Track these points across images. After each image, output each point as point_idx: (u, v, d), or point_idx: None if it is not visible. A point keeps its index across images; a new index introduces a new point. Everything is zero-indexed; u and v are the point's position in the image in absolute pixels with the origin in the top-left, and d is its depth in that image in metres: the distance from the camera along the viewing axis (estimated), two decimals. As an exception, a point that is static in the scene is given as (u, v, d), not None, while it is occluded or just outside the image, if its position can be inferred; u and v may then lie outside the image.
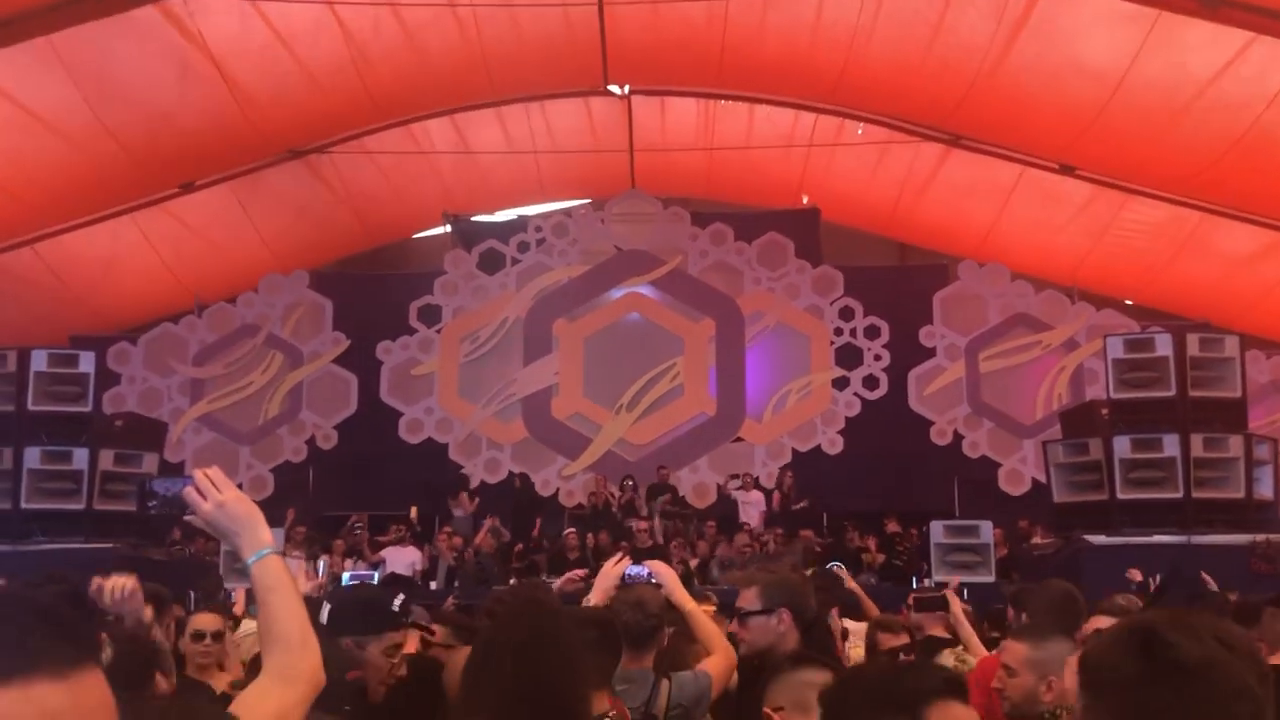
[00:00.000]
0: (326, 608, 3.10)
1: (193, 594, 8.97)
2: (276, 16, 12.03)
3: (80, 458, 10.17)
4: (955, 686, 1.63)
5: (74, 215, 14.00)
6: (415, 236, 18.39)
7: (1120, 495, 10.14)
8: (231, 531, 1.95)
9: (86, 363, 10.60)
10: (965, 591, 10.33)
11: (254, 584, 1.96)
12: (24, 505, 9.97)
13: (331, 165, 15.69)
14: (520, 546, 13.09)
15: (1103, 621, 4.35)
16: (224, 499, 1.95)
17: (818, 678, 2.44)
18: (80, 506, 10.13)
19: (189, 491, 1.95)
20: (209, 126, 13.10)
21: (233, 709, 1.84)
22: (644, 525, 12.91)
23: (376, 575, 11.88)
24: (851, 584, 7.36)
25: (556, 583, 5.18)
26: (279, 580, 1.94)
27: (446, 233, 17.38)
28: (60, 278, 14.79)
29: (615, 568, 3.81)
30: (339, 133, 15.12)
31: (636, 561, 3.88)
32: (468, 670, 2.40)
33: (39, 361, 10.35)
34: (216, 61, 12.16)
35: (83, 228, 14.33)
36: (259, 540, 1.95)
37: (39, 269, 14.46)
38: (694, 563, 12.47)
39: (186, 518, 1.99)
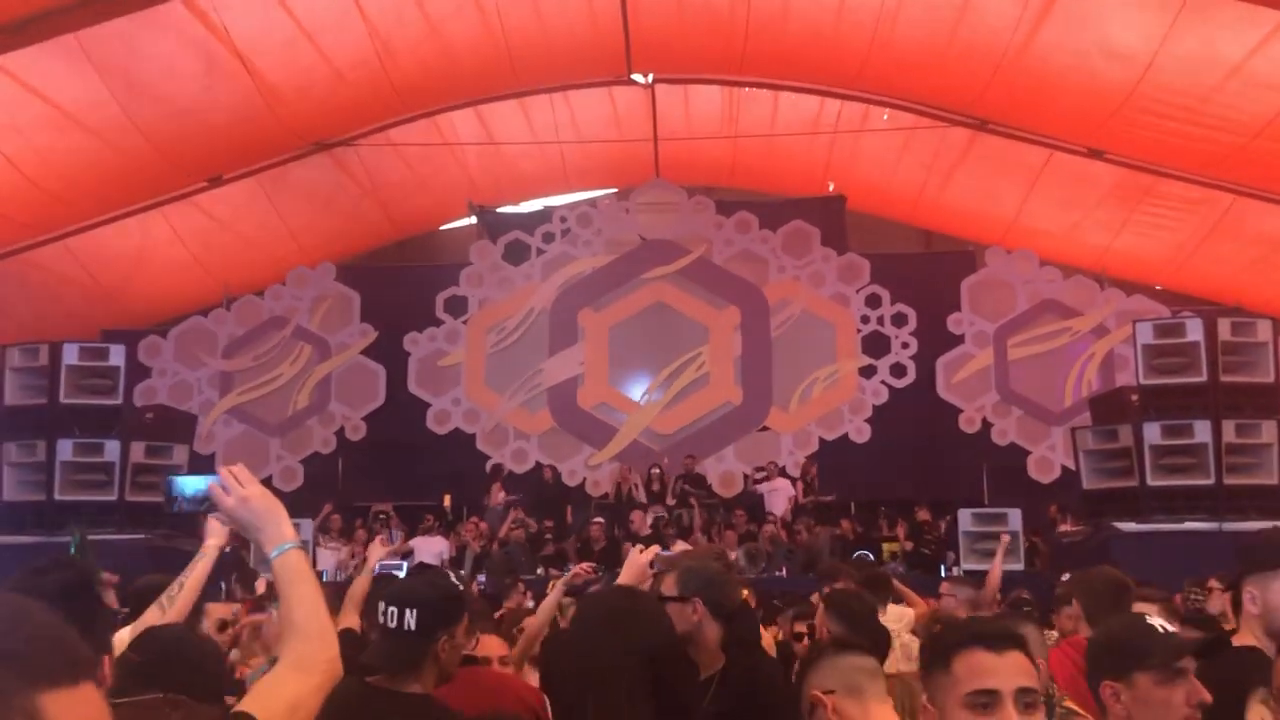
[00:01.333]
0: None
1: (224, 585, 9.08)
2: (301, 10, 12.08)
3: (112, 450, 10.32)
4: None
5: (104, 210, 14.14)
6: (441, 228, 18.46)
7: (1150, 482, 10.06)
8: (254, 526, 1.99)
9: (117, 356, 10.75)
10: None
11: (275, 577, 2.00)
12: (57, 497, 10.11)
13: (357, 158, 15.76)
14: (549, 536, 13.13)
15: (1142, 608, 4.32)
16: (247, 494, 1.99)
17: (866, 663, 2.48)
18: (112, 498, 10.28)
19: (213, 486, 1.98)
20: (236, 120, 13.19)
21: (247, 699, 1.88)
22: (637, 514, 12.90)
23: (405, 565, 11.99)
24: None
25: (564, 576, 5.20)
26: (300, 573, 1.98)
27: (472, 224, 17.44)
28: (91, 272, 14.95)
29: (644, 555, 3.82)
30: (364, 125, 15.18)
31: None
32: None
33: (70, 355, 10.50)
34: (242, 56, 12.22)
35: (113, 222, 14.46)
36: (281, 534, 1.99)
37: (70, 264, 14.63)
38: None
39: (211, 515, 2.01)
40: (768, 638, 5.17)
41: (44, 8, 10.56)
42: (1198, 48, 11.38)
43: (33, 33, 10.70)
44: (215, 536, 3.69)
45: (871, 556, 11.78)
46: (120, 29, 11.12)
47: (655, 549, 4.00)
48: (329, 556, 12.27)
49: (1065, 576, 8.27)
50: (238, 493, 1.98)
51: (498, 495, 14.16)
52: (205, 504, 2.06)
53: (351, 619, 4.54)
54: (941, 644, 1.97)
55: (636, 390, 15.83)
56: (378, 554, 6.06)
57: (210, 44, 11.99)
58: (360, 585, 5.34)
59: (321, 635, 1.94)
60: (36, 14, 10.59)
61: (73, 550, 2.41)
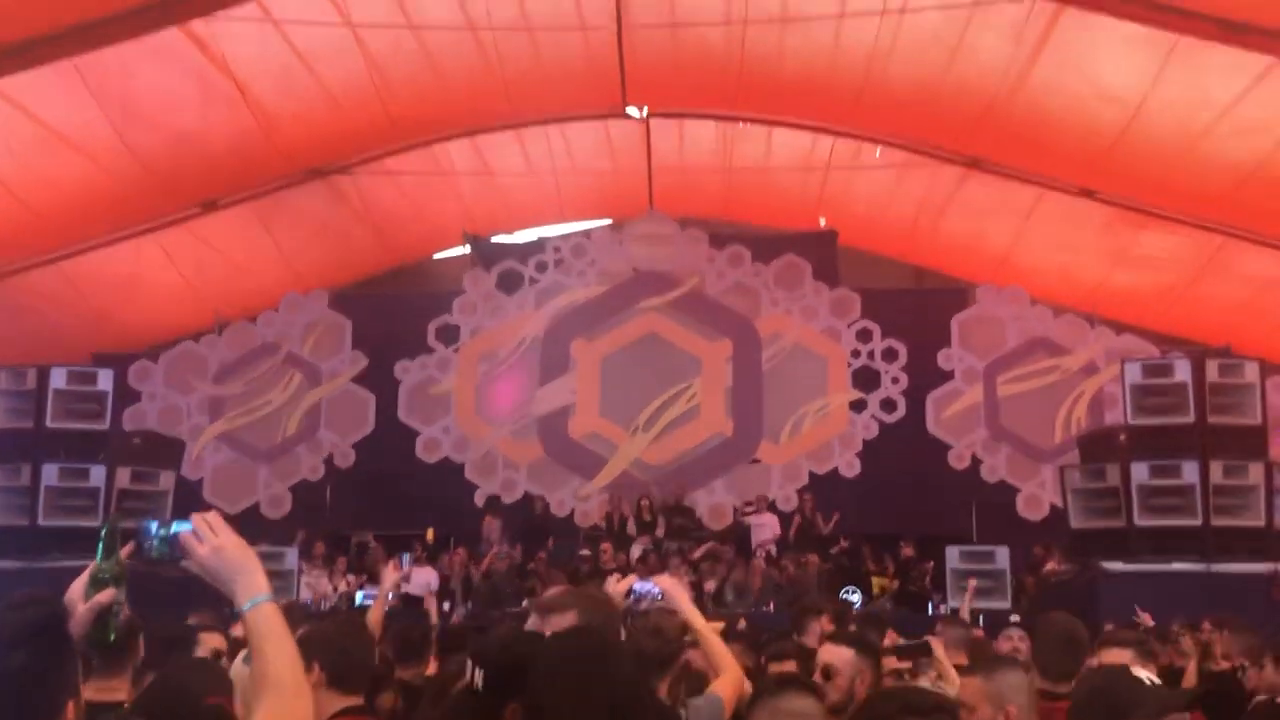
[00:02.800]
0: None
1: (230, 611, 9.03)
2: (298, 38, 12.15)
3: (97, 475, 10.27)
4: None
5: (97, 234, 14.14)
6: (435, 256, 18.48)
7: (1138, 522, 10.06)
8: (227, 577, 1.95)
9: (105, 380, 10.73)
10: (981, 618, 10.30)
11: (248, 630, 1.96)
12: (40, 522, 10.06)
13: (353, 185, 15.80)
14: (532, 566, 13.07)
15: (1115, 654, 4.29)
16: (221, 543, 1.95)
17: (806, 705, 2.43)
18: (97, 523, 10.19)
19: (186, 535, 1.95)
20: (231, 146, 13.24)
21: None
22: (606, 546, 12.86)
23: (390, 595, 11.92)
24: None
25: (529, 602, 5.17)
26: (273, 628, 1.94)
27: (466, 253, 17.47)
28: (83, 296, 14.92)
29: (620, 584, 3.81)
30: (360, 153, 15.23)
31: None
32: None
33: (58, 379, 10.47)
34: (238, 82, 12.28)
35: (105, 246, 14.45)
36: (255, 586, 1.95)
37: (62, 287, 14.60)
38: (709, 586, 12.43)
39: (184, 563, 1.99)
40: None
41: (43, 32, 10.60)
42: (1187, 90, 11.48)
43: (31, 57, 10.73)
44: (388, 580, 3.61)
45: (858, 593, 11.76)
46: (118, 54, 11.17)
47: (632, 578, 3.99)
48: (310, 585, 12.20)
49: (1014, 618, 8.27)
50: (211, 542, 1.95)
51: (492, 526, 14.10)
52: (172, 551, 2.02)
53: None
54: (876, 715, 1.95)
55: (627, 421, 15.81)
56: (391, 580, 6.03)
57: (208, 71, 12.05)
58: (377, 613, 5.35)
59: (296, 690, 1.92)
60: (36, 38, 10.63)
61: (100, 548, 2.32)
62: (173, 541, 2.01)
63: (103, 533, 2.27)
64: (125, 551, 2.29)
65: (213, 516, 1.97)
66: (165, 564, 2.20)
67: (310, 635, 3.06)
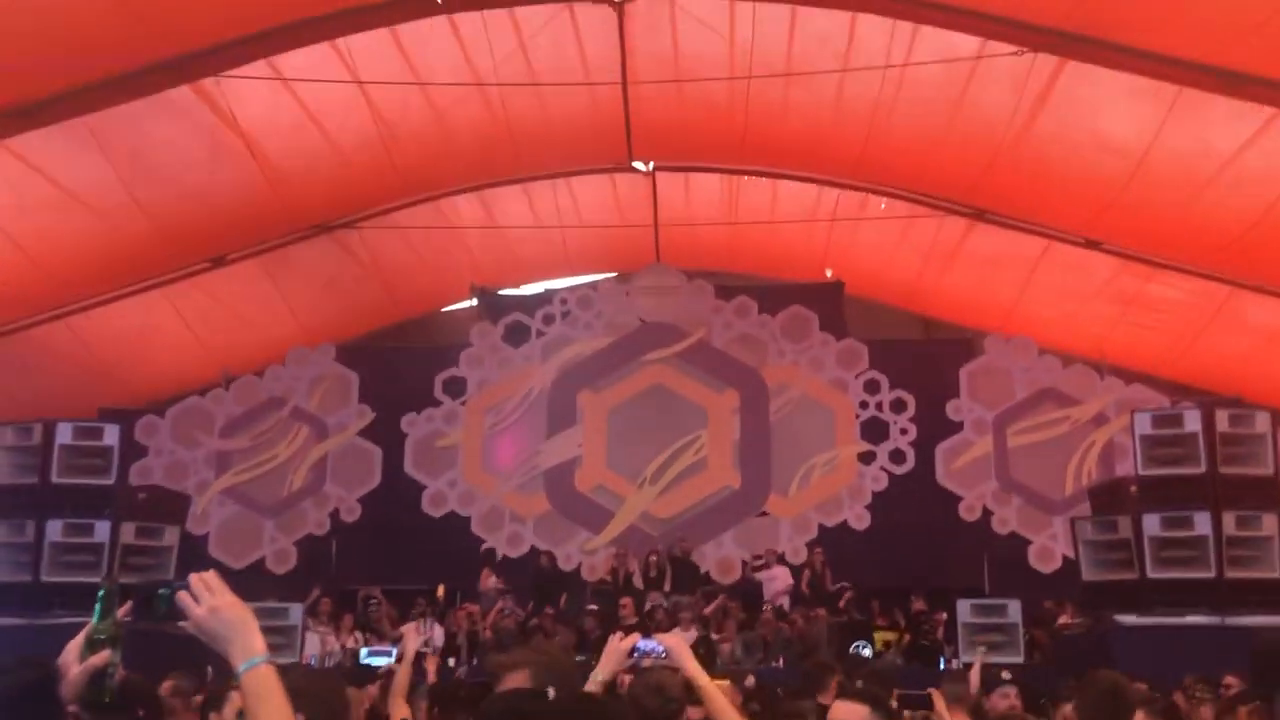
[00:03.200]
0: None
1: (210, 669, 8.93)
2: (307, 95, 12.30)
3: (102, 530, 10.22)
4: None
5: (105, 289, 14.22)
6: (443, 310, 18.55)
7: (1151, 574, 9.93)
8: (224, 638, 1.94)
9: (111, 436, 10.70)
10: (1007, 673, 10.13)
11: (244, 692, 1.94)
12: (44, 578, 9.99)
13: (360, 240, 15.90)
14: (536, 622, 12.93)
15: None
16: (218, 604, 1.94)
17: None
18: (99, 579, 10.13)
19: (183, 595, 1.93)
20: (240, 202, 13.35)
21: None
22: (626, 602, 12.71)
23: (395, 651, 11.81)
24: None
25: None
26: (269, 690, 1.93)
27: (473, 306, 17.52)
28: (91, 351, 14.98)
29: (623, 643, 3.75)
30: (368, 208, 15.35)
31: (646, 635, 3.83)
32: None
33: (64, 434, 10.46)
34: (247, 139, 12.42)
35: (114, 301, 14.53)
36: (251, 648, 1.94)
37: (70, 342, 14.66)
38: (720, 643, 12.29)
39: (181, 624, 1.97)
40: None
41: (56, 92, 10.74)
42: (1191, 141, 11.53)
43: (45, 116, 10.87)
44: (412, 644, 3.58)
45: (868, 647, 11.60)
46: (128, 112, 11.29)
47: (635, 637, 3.93)
48: (315, 641, 12.08)
49: (1005, 675, 8.12)
50: (208, 602, 1.93)
51: (488, 580, 13.99)
52: (171, 612, 2.00)
53: (401, 709, 4.57)
54: None
55: (634, 473, 15.72)
56: (414, 642, 6.02)
57: (217, 128, 12.19)
58: (403, 676, 5.33)
59: None
60: (49, 98, 10.77)
61: (97, 609, 2.31)
62: (170, 599, 2.00)
63: (100, 594, 2.26)
64: (122, 612, 2.27)
65: (210, 577, 1.95)
66: (170, 624, 2.18)
67: (295, 687, 3.02)
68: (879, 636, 12.49)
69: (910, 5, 11.30)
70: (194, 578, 1.94)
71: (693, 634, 11.98)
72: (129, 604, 2.24)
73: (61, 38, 9.85)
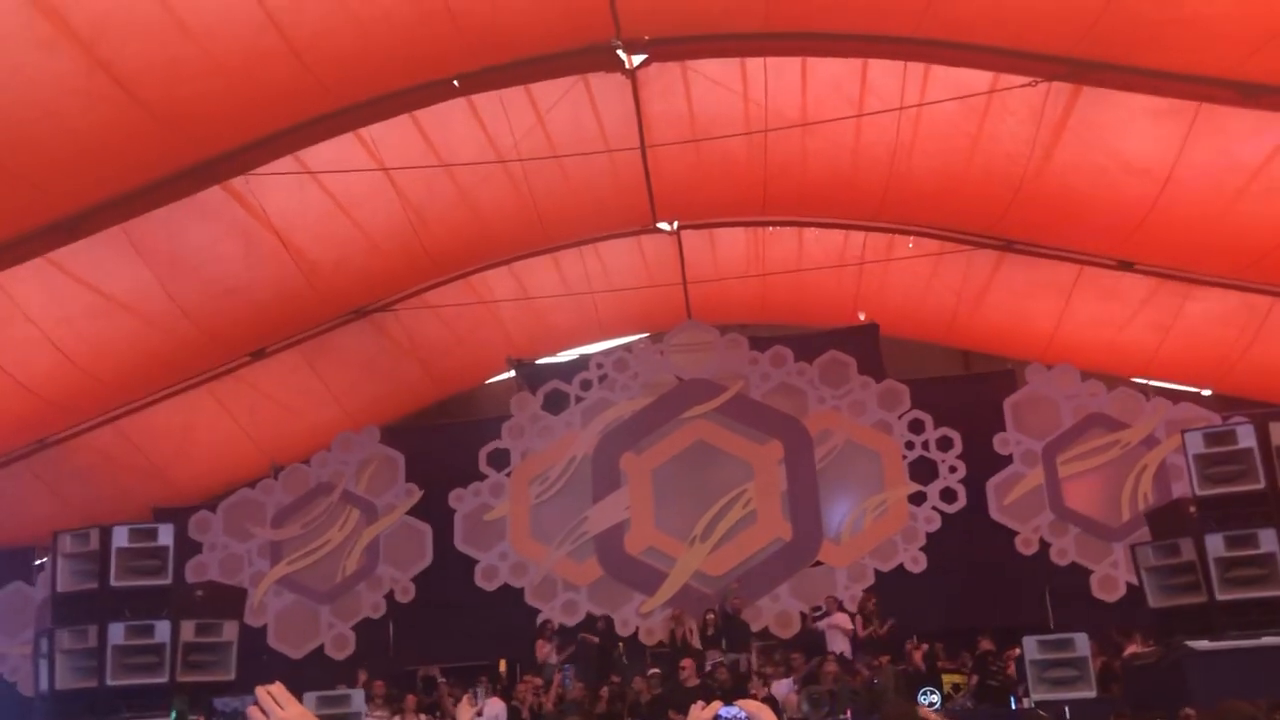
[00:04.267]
0: None
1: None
2: (335, 186, 12.57)
3: (162, 630, 10.29)
4: None
5: (151, 391, 14.49)
6: (482, 384, 18.69)
7: (1219, 596, 9.68)
8: None
9: (165, 535, 10.82)
10: (1067, 710, 9.93)
11: None
12: (109, 682, 10.06)
13: (396, 321, 16.12)
14: (605, 691, 12.82)
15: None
16: (287, 716, 1.95)
17: None
18: (164, 680, 10.20)
19: (251, 710, 1.95)
20: (276, 295, 13.59)
21: None
22: (687, 663, 12.57)
23: (459, 730, 11.74)
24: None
25: None
26: None
27: (511, 378, 17.65)
28: (142, 451, 15.23)
29: (706, 712, 3.71)
30: (401, 290, 15.58)
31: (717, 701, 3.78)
32: None
33: (120, 538, 10.58)
34: (279, 232, 12.69)
35: (160, 401, 14.80)
36: None
37: (122, 445, 14.92)
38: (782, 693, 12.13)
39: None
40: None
41: (94, 203, 11.04)
42: (1215, 156, 11.49)
43: (84, 228, 11.16)
44: (465, 716, 3.55)
45: (936, 694, 11.39)
46: (163, 216, 11.58)
47: (718, 705, 3.88)
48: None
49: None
50: (276, 714, 1.95)
51: (543, 650, 13.90)
52: None
53: None
54: None
55: (684, 532, 15.64)
56: (468, 715, 5.99)
57: (249, 224, 12.47)
58: None
59: None
60: (87, 210, 11.07)
61: None
62: (238, 715, 2.04)
63: (172, 715, 2.34)
64: None
65: (276, 688, 1.97)
66: None
67: None
68: (947, 679, 12.26)
69: (919, 46, 11.41)
70: (260, 690, 1.96)
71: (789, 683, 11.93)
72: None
73: (96, 151, 10.16)
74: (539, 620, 15.12)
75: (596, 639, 14.53)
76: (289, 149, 11.82)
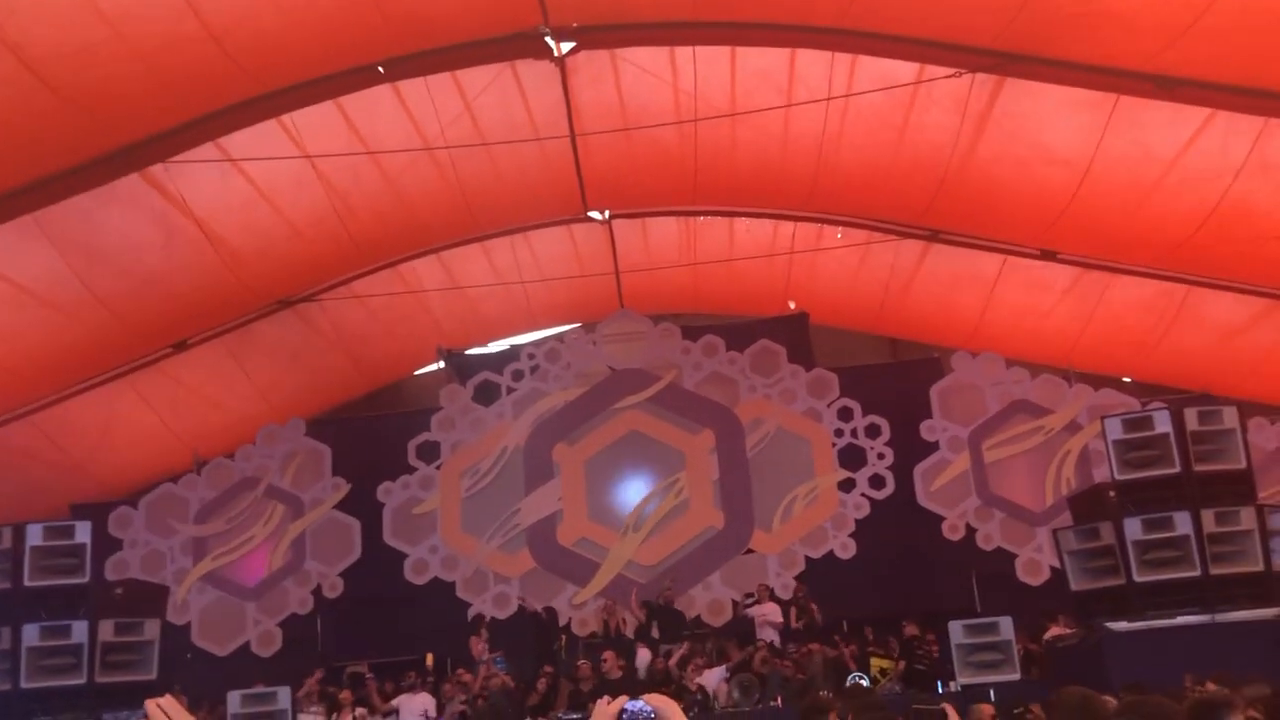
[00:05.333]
0: None
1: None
2: (257, 174, 12.32)
3: (79, 630, 10.01)
4: None
5: (69, 384, 14.06)
6: (411, 375, 18.48)
7: (1137, 578, 9.92)
8: None
9: (83, 533, 10.51)
10: (992, 693, 10.10)
11: None
12: (23, 685, 9.76)
13: (322, 312, 15.84)
14: (543, 684, 12.73)
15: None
16: None
17: None
18: (81, 681, 9.94)
19: None
20: (197, 285, 13.28)
21: None
22: (608, 655, 12.57)
23: (388, 726, 11.62)
24: None
25: None
26: None
27: (441, 369, 17.46)
28: (60, 446, 14.77)
29: (611, 705, 3.69)
30: (327, 280, 15.31)
31: (635, 696, 3.76)
32: None
33: (34, 536, 10.26)
34: (200, 221, 12.40)
35: (78, 395, 14.37)
36: None
37: (38, 440, 14.46)
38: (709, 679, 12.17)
39: None
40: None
41: (3, 189, 10.69)
42: (1133, 147, 11.74)
43: (-5, 216, 10.82)
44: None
45: (865, 678, 11.53)
46: (77, 205, 11.26)
47: (624, 699, 3.86)
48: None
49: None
50: None
51: (477, 646, 13.78)
52: None
53: None
54: None
55: (616, 522, 15.62)
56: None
57: (169, 213, 12.17)
58: None
59: None
60: (-3, 196, 10.73)
61: None
62: None
63: None
64: None
65: (166, 700, 1.91)
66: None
67: None
68: (874, 663, 12.41)
69: (846, 36, 11.50)
70: (150, 704, 1.90)
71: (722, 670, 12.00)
72: None
73: (5, 135, 9.83)
74: (470, 615, 15.00)
75: (539, 609, 14.46)
76: (209, 136, 11.58)
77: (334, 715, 12.37)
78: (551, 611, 14.82)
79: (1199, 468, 10.12)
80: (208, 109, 11.19)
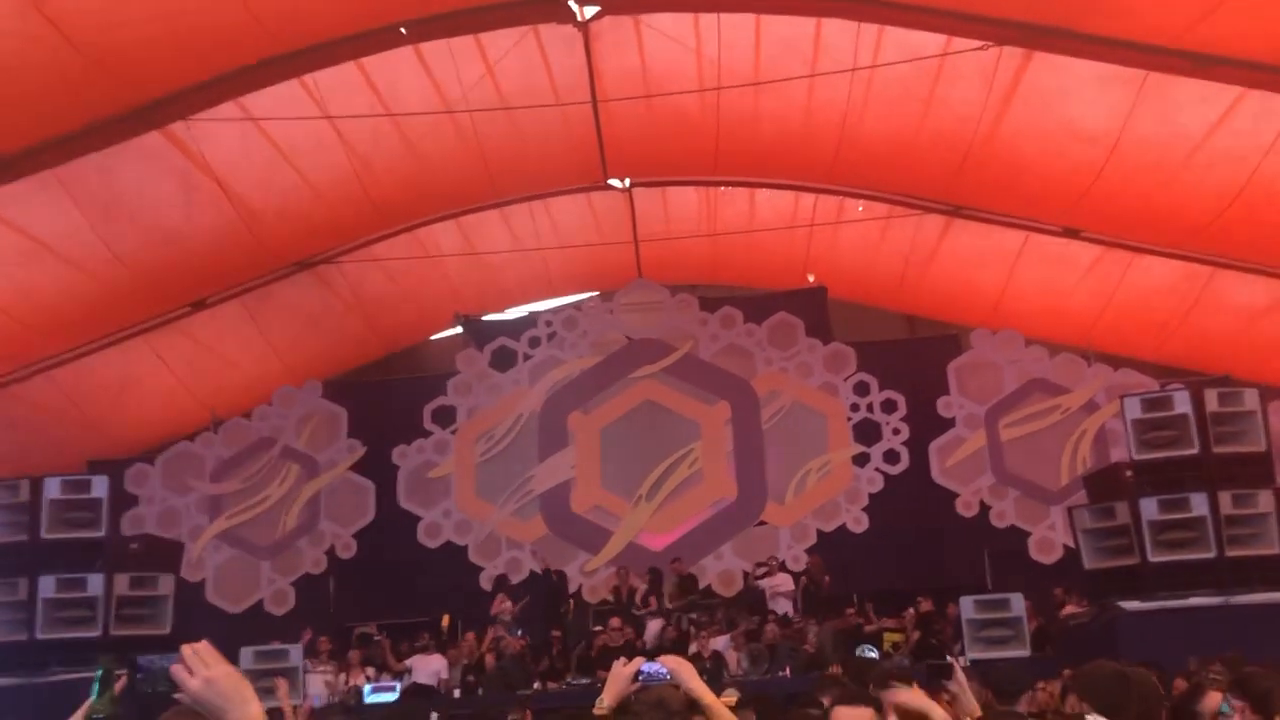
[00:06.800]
0: None
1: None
2: (278, 133, 12.28)
3: (95, 584, 10.14)
4: None
5: (87, 340, 14.13)
6: (428, 340, 18.49)
7: (1152, 558, 9.91)
8: (220, 708, 1.89)
9: (100, 487, 10.62)
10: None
11: None
12: (39, 636, 9.89)
13: (340, 275, 15.85)
14: (557, 648, 12.81)
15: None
16: (212, 675, 1.89)
17: None
18: (97, 634, 10.05)
19: (175, 668, 1.90)
20: (216, 244, 13.28)
21: None
22: (616, 623, 12.61)
23: (398, 686, 11.72)
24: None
25: None
26: None
27: (458, 334, 17.48)
28: (76, 403, 14.86)
29: (627, 668, 3.70)
30: (346, 242, 15.29)
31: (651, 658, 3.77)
32: None
33: (52, 489, 10.38)
34: (220, 180, 12.38)
35: (96, 352, 14.43)
36: (248, 717, 1.90)
37: (55, 396, 14.55)
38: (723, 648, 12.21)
39: (176, 695, 1.93)
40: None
41: (22, 147, 10.70)
42: (1161, 125, 11.57)
43: (15, 170, 10.82)
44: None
45: (875, 650, 11.54)
46: (97, 161, 11.26)
47: (639, 661, 3.87)
48: (318, 681, 11.96)
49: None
50: (202, 674, 1.88)
51: (501, 605, 13.86)
52: (171, 685, 1.97)
53: None
54: None
55: (629, 491, 15.64)
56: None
57: (189, 171, 12.15)
58: None
59: None
60: (18, 152, 10.73)
61: (94, 693, 2.33)
62: (164, 674, 1.99)
63: (97, 674, 2.30)
64: (119, 687, 2.30)
65: (203, 647, 1.91)
66: (165, 696, 2.20)
67: None
68: (887, 638, 12.43)
69: (873, 6, 11.36)
70: (186, 649, 1.89)
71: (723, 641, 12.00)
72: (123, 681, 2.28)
73: (28, 91, 9.82)
74: (493, 578, 15.07)
75: (553, 572, 14.53)
76: (231, 94, 11.54)
77: (343, 674, 12.48)
78: (562, 575, 14.87)
79: (1218, 449, 10.08)
80: (229, 67, 11.14)
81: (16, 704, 9.08)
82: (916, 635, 12.40)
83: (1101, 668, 4.15)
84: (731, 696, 5.08)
